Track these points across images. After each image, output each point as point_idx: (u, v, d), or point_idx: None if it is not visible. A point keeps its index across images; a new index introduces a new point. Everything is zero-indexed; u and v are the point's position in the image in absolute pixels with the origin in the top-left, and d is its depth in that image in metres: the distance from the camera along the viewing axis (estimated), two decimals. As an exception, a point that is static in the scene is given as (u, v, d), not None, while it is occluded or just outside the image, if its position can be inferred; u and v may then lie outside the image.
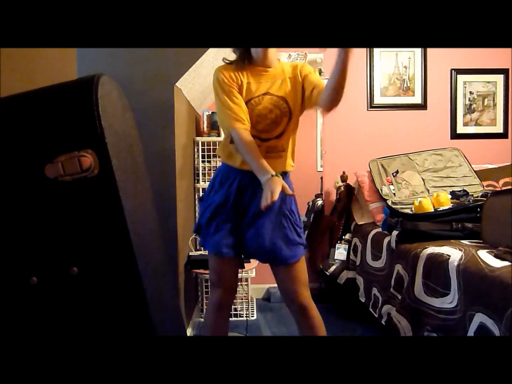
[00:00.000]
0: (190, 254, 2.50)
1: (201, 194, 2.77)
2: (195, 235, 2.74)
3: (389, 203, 2.36)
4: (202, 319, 2.74)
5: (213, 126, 2.78)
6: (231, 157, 1.48)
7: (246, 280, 2.76)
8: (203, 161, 2.77)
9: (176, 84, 2.06)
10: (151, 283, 0.73)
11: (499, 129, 3.34)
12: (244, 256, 1.54)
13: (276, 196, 1.22)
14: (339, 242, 2.83)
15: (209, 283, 2.76)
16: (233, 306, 2.53)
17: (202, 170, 2.77)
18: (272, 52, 1.47)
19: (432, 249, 1.71)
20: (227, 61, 1.48)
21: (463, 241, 1.77)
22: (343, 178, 3.01)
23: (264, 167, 1.33)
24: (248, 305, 2.74)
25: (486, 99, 3.33)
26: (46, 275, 0.66)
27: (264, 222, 1.44)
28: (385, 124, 3.28)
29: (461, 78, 3.30)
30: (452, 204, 2.07)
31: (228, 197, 1.45)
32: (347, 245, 2.79)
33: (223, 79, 1.43)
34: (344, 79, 1.32)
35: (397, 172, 2.66)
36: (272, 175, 1.29)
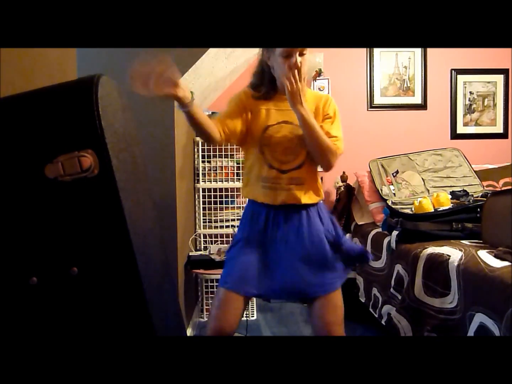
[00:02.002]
0: (190, 254, 2.50)
1: (201, 194, 2.78)
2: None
3: (389, 203, 2.36)
4: (202, 319, 2.75)
5: (213, 126, 2.78)
6: (252, 192, 1.41)
7: (246, 280, 2.76)
8: (203, 161, 2.77)
9: (176, 84, 2.05)
10: (151, 283, 0.73)
11: (499, 129, 3.34)
12: (269, 295, 1.42)
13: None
14: (339, 242, 2.83)
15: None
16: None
17: (202, 170, 2.77)
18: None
19: (432, 249, 1.71)
20: (252, 87, 1.44)
21: (463, 241, 1.77)
22: (343, 178, 3.01)
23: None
24: (248, 305, 2.74)
25: (486, 99, 3.33)
26: (46, 275, 0.66)
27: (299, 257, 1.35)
28: (385, 124, 3.28)
29: (461, 78, 3.30)
30: (452, 204, 2.07)
31: (253, 233, 1.38)
32: (347, 245, 2.79)
33: (238, 96, 1.42)
34: (313, 139, 1.31)
35: (397, 172, 2.66)
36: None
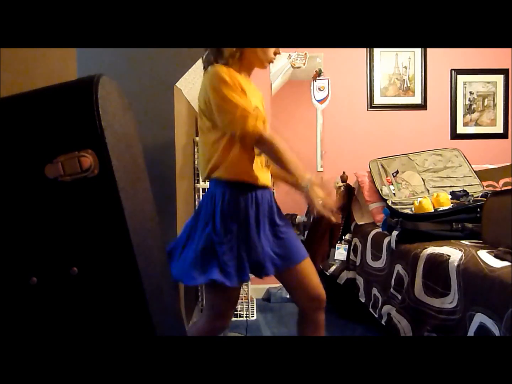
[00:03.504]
0: (190, 254, 2.50)
1: (201, 194, 2.77)
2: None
3: (389, 203, 2.36)
4: (202, 319, 2.74)
5: (213, 126, 2.78)
6: (246, 173, 1.37)
7: (246, 280, 2.76)
8: (203, 161, 2.76)
9: (176, 84, 2.06)
10: (151, 283, 0.73)
11: (499, 129, 3.34)
12: (257, 275, 1.41)
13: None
14: (339, 242, 2.83)
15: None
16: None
17: (202, 170, 2.77)
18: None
19: (432, 249, 1.71)
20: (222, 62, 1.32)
21: (463, 241, 1.77)
22: (343, 178, 3.01)
23: (302, 168, 1.29)
24: (248, 305, 2.74)
25: (486, 99, 3.33)
26: (46, 275, 0.66)
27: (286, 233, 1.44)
28: (385, 124, 3.29)
29: (461, 78, 3.30)
30: (452, 204, 2.07)
31: (245, 219, 1.36)
32: (347, 245, 2.79)
33: (225, 75, 1.25)
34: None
35: (397, 172, 2.66)
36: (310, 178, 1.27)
